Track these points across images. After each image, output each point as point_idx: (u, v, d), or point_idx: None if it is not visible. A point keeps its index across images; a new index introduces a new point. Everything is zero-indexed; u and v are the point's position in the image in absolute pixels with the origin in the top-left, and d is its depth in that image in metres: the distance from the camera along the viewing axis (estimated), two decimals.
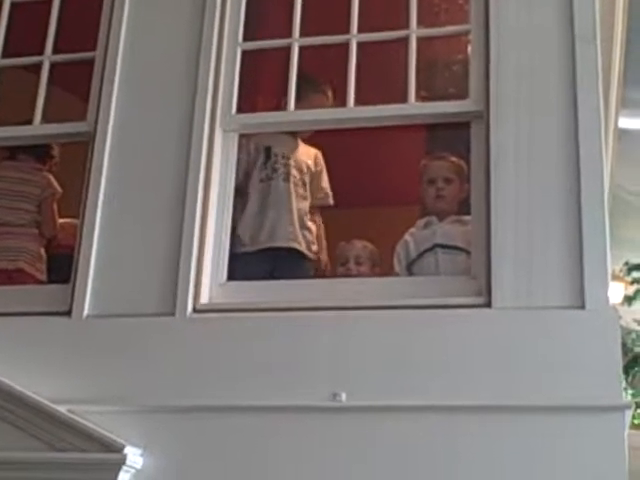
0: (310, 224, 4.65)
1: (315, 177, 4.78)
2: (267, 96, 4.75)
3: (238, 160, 4.14)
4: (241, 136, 4.16)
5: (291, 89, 4.05)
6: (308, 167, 4.74)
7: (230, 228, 3.98)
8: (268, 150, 4.66)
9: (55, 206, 5.08)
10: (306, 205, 4.66)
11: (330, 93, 4.58)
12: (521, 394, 3.40)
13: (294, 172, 4.65)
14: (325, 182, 4.83)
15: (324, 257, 4.75)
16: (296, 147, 4.72)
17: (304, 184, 4.69)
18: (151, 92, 4.07)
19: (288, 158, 4.66)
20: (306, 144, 4.82)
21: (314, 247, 4.62)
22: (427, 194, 4.34)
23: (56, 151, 5.15)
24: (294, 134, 4.73)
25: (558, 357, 3.42)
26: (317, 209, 4.83)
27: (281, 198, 4.57)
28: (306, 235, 4.59)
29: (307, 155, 4.77)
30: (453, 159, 4.34)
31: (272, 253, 4.45)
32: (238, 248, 4.22)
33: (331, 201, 4.83)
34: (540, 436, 3.35)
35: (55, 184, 5.10)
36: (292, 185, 4.62)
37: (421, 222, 4.31)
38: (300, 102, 4.20)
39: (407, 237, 4.27)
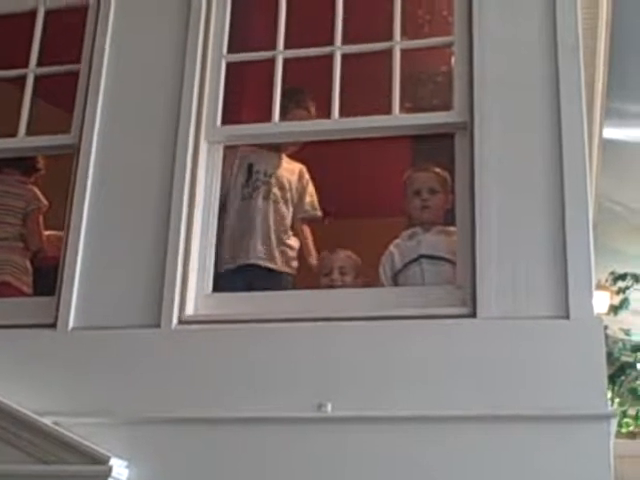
0: (291, 241, 4.69)
1: (300, 192, 4.81)
2: (252, 108, 4.76)
3: (222, 176, 4.15)
4: (225, 152, 4.16)
5: (276, 101, 4.06)
6: (290, 183, 4.77)
7: (215, 239, 3.98)
8: (250, 168, 4.70)
9: (41, 219, 5.07)
10: (287, 222, 4.69)
11: (312, 108, 4.61)
12: (506, 404, 3.40)
13: (275, 190, 4.70)
14: (311, 196, 4.85)
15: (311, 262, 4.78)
16: (279, 164, 4.77)
17: (286, 201, 4.72)
18: (135, 104, 4.08)
19: (270, 176, 4.71)
20: (292, 157, 4.83)
21: (294, 263, 4.64)
22: (412, 205, 4.34)
23: (41, 164, 5.14)
24: (278, 150, 4.75)
25: (543, 367, 3.43)
26: (305, 222, 4.84)
27: (259, 217, 4.62)
28: (285, 251, 4.62)
29: (290, 171, 4.81)
30: (437, 170, 4.36)
31: (250, 271, 4.49)
32: (220, 266, 4.23)
33: (319, 214, 4.85)
34: (525, 446, 3.35)
35: (41, 197, 5.09)
36: (272, 203, 4.67)
37: (406, 233, 4.32)
38: (283, 117, 4.23)
39: (392, 248, 4.28)
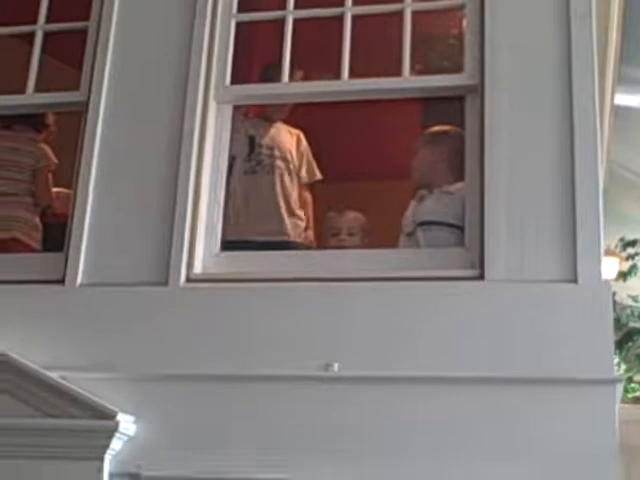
0: (300, 212, 4.68)
1: (299, 159, 4.81)
2: (261, 68, 4.74)
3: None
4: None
5: (286, 61, 4.04)
6: (292, 153, 4.78)
7: (224, 198, 3.98)
8: (252, 140, 4.69)
9: (50, 177, 5.07)
10: (294, 193, 4.69)
11: (299, 75, 4.58)
12: (513, 366, 3.41)
13: (279, 163, 4.72)
14: (308, 162, 4.86)
15: (310, 232, 4.78)
16: (279, 133, 4.77)
17: (290, 173, 4.73)
18: (144, 62, 4.06)
19: (272, 148, 4.72)
20: (289, 122, 4.83)
21: (305, 233, 4.65)
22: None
23: (50, 120, 5.14)
24: (271, 120, 4.75)
25: (550, 330, 3.44)
26: (306, 186, 4.85)
27: (267, 192, 4.63)
28: (297, 224, 4.62)
29: (289, 141, 4.83)
30: (430, 129, 4.32)
31: (259, 244, 4.48)
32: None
33: (318, 176, 4.85)
34: (532, 408, 3.37)
35: (51, 155, 5.09)
36: (277, 177, 4.68)
37: (417, 195, 4.31)
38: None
39: (409, 209, 4.27)
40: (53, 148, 5.15)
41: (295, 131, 4.85)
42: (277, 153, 4.73)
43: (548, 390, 3.38)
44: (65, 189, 4.85)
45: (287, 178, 4.73)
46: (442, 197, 4.08)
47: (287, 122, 4.94)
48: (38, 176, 5.01)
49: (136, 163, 3.94)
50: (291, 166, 4.77)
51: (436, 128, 4.35)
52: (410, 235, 4.13)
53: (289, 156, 4.77)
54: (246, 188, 4.63)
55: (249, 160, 4.68)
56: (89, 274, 3.83)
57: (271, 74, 4.28)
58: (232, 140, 4.47)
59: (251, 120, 4.77)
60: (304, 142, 4.86)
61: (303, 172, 4.84)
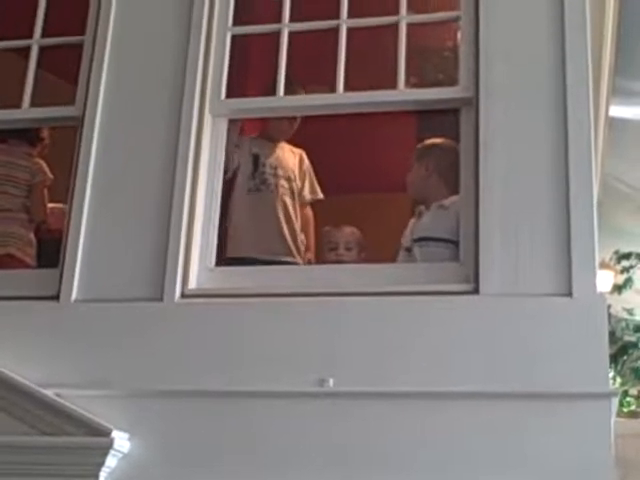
0: (301, 234, 4.71)
1: (302, 178, 4.83)
2: (257, 82, 4.74)
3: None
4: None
5: (281, 74, 4.04)
6: (294, 173, 4.82)
7: (219, 213, 3.97)
8: (256, 159, 4.71)
9: (45, 192, 5.07)
10: (296, 212, 4.70)
11: (302, 93, 4.60)
12: (508, 381, 3.40)
13: (282, 182, 4.74)
14: (311, 181, 4.89)
15: (311, 254, 4.79)
16: (282, 153, 4.81)
17: (292, 193, 4.76)
18: (140, 77, 4.06)
19: (276, 168, 4.74)
20: (291, 141, 4.85)
21: (307, 254, 4.67)
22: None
23: (45, 133, 5.13)
24: (276, 140, 4.81)
25: (545, 344, 3.43)
26: (306, 206, 4.87)
27: (271, 212, 4.66)
28: (299, 245, 4.64)
29: (293, 160, 4.88)
30: (423, 143, 4.33)
31: (262, 262, 4.49)
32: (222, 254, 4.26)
33: (321, 195, 4.87)
34: (526, 423, 3.36)
35: (47, 170, 5.08)
36: (280, 197, 4.69)
37: (416, 211, 4.31)
38: None
39: (408, 226, 4.27)
40: (47, 162, 5.14)
41: (298, 150, 4.90)
42: (281, 173, 4.78)
43: (543, 404, 3.37)
44: (59, 204, 4.84)
45: (289, 200, 4.77)
46: (438, 212, 4.08)
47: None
48: (33, 191, 5.01)
49: (131, 179, 3.93)
50: (294, 185, 4.82)
51: (427, 141, 4.35)
52: (409, 251, 4.13)
53: (292, 175, 4.82)
54: (249, 206, 4.65)
55: (253, 178, 4.71)
56: (84, 290, 3.82)
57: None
58: (235, 155, 4.50)
59: (255, 139, 4.78)
60: (306, 161, 4.91)
61: (306, 191, 4.89)
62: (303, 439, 3.46)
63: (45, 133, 5.14)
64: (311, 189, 4.90)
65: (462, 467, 3.35)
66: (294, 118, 4.83)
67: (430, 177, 4.21)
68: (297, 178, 4.83)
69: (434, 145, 4.14)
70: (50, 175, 5.07)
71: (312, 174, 4.91)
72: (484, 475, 3.33)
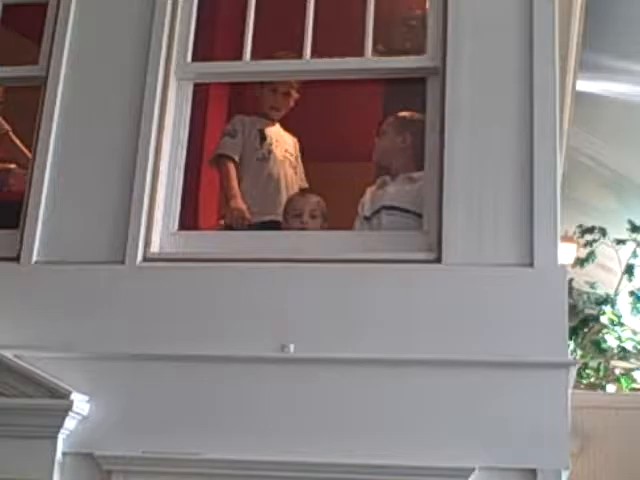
0: None
1: (297, 161, 4.91)
2: (224, 46, 4.70)
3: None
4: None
5: (247, 39, 4.01)
6: (294, 152, 4.90)
7: (182, 178, 3.95)
8: (262, 133, 4.76)
9: (15, 139, 5.00)
10: (295, 187, 4.76)
11: (293, 91, 4.70)
12: (467, 349, 3.43)
13: (286, 154, 4.82)
14: (301, 168, 4.94)
15: None
16: (280, 131, 4.86)
17: (294, 168, 4.85)
18: (105, 37, 4.02)
19: (278, 142, 4.81)
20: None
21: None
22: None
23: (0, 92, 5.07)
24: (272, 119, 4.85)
25: (506, 313, 3.46)
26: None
27: (276, 176, 4.72)
28: None
29: (291, 142, 4.92)
30: (396, 114, 4.32)
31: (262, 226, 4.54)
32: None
33: (306, 185, 4.91)
34: (485, 391, 3.40)
35: (3, 123, 5.01)
36: (287, 164, 4.79)
37: (379, 180, 4.30)
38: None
39: (367, 195, 4.26)
40: (9, 124, 5.07)
41: (292, 137, 4.93)
42: (284, 147, 4.82)
43: (502, 373, 3.41)
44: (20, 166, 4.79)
45: (291, 171, 4.80)
46: (405, 183, 4.07)
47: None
48: (6, 143, 4.93)
49: (94, 141, 3.90)
50: (293, 159, 4.85)
51: (405, 113, 4.32)
52: (368, 219, 4.12)
53: (292, 150, 4.87)
54: (257, 173, 4.69)
55: (261, 148, 4.73)
56: (45, 252, 3.79)
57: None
58: (241, 134, 4.49)
59: (253, 117, 4.78)
60: (298, 148, 4.92)
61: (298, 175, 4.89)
62: (263, 404, 3.47)
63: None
64: (300, 176, 4.93)
65: (421, 433, 3.38)
66: (288, 93, 4.80)
67: (405, 150, 4.19)
68: (295, 156, 4.88)
69: (418, 120, 4.12)
70: (7, 126, 4.99)
71: (301, 163, 4.95)
72: (441, 441, 3.36)
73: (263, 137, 4.76)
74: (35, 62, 4.09)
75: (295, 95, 4.83)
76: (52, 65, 4.00)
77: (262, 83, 4.66)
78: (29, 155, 4.93)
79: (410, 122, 4.13)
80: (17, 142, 5.03)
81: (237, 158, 4.67)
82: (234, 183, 4.60)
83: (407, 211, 3.93)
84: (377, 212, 4.09)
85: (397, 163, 4.21)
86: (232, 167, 4.63)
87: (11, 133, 5.03)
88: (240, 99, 5.18)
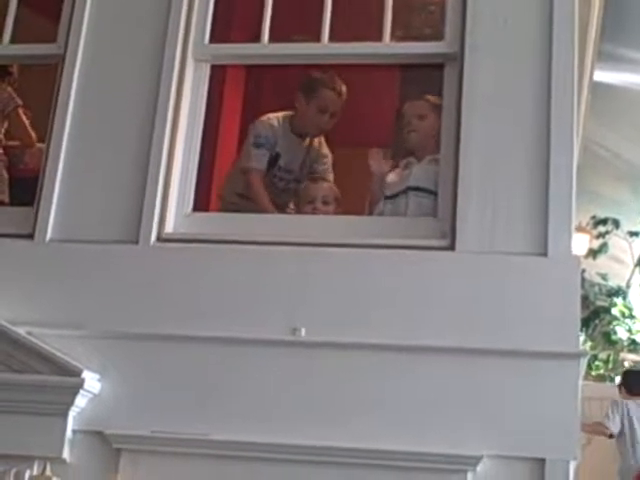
0: None
1: None
2: (242, 28, 4.69)
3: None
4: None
5: (266, 22, 4.00)
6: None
7: (198, 159, 3.95)
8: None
9: (22, 115, 5.01)
10: None
11: (343, 89, 4.58)
12: (479, 337, 3.43)
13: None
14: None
15: None
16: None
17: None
18: (123, 17, 4.01)
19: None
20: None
21: None
22: (403, 134, 4.29)
23: (13, 67, 5.06)
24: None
25: (518, 303, 3.46)
26: None
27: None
28: None
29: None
30: (430, 97, 4.28)
31: None
32: None
33: None
34: (496, 380, 3.39)
35: (15, 96, 5.01)
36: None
37: (402, 162, 4.28)
38: (311, 95, 4.47)
39: (390, 175, 4.24)
40: (25, 102, 5.08)
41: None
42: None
43: (513, 361, 3.40)
44: (38, 144, 4.79)
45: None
46: (430, 165, 4.04)
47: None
48: (13, 119, 4.93)
49: (111, 120, 3.90)
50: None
51: (433, 97, 4.28)
52: (392, 199, 4.09)
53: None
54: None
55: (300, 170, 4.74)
56: (59, 230, 3.80)
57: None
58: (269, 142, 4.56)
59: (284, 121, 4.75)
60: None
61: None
62: (274, 386, 3.48)
63: (13, 67, 5.08)
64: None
65: (430, 420, 3.39)
66: (335, 114, 4.67)
67: (436, 133, 4.17)
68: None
69: (440, 105, 4.10)
70: (20, 101, 4.99)
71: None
72: (450, 429, 3.36)
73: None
74: (53, 40, 4.09)
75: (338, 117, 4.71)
76: (70, 43, 4.00)
77: (307, 96, 4.59)
78: (33, 135, 4.99)
79: (438, 107, 4.10)
80: (24, 120, 5.04)
81: (263, 167, 4.61)
82: (260, 192, 4.54)
83: (433, 192, 3.90)
84: (403, 192, 4.06)
85: (432, 145, 4.17)
86: (257, 178, 4.58)
87: (20, 110, 5.03)
88: (257, 81, 5.16)
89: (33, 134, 5.04)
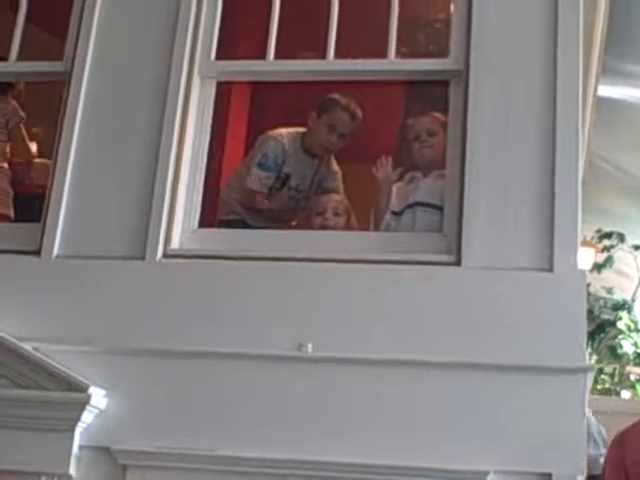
0: None
1: None
2: (248, 45, 4.71)
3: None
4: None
5: (271, 38, 4.02)
6: None
7: (204, 175, 3.96)
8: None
9: (24, 132, 5.01)
10: None
11: (358, 112, 4.61)
12: (485, 352, 3.43)
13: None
14: None
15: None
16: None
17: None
18: (129, 34, 4.03)
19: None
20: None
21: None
22: (411, 149, 4.30)
23: (20, 83, 5.08)
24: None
25: (524, 318, 3.46)
26: None
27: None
28: None
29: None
30: (436, 114, 4.30)
31: None
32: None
33: None
34: (502, 394, 3.39)
35: (20, 111, 5.02)
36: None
37: (407, 176, 4.29)
38: (324, 113, 4.52)
39: (394, 190, 4.24)
40: (32, 118, 5.09)
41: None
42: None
43: (520, 377, 3.40)
44: (44, 160, 4.80)
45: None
46: (437, 181, 4.04)
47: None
48: (14, 133, 4.94)
49: (117, 136, 3.91)
50: None
51: (439, 114, 4.30)
52: (398, 215, 4.10)
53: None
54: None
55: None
56: (65, 246, 3.81)
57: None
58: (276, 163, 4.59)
59: (295, 141, 4.77)
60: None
61: None
62: (280, 402, 3.48)
63: (19, 83, 5.09)
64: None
65: (436, 435, 3.38)
66: (344, 135, 4.70)
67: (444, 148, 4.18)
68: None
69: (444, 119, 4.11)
70: (23, 114, 5.00)
71: None
72: (457, 444, 3.36)
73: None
74: (59, 58, 4.11)
75: (348, 139, 4.72)
76: (76, 61, 4.01)
77: (320, 113, 4.60)
78: (32, 151, 4.99)
79: (445, 123, 4.11)
80: (24, 134, 5.04)
81: (265, 190, 4.65)
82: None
83: (440, 208, 3.90)
84: (410, 207, 4.07)
85: (438, 160, 4.17)
86: (260, 199, 4.62)
87: (22, 124, 5.04)
88: (262, 97, 5.18)
89: (32, 148, 5.04)
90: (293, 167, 4.66)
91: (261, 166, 4.59)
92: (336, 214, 4.40)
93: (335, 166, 4.80)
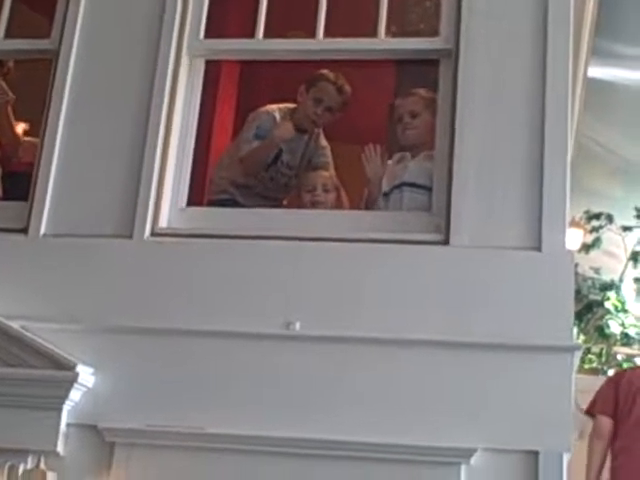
0: None
1: None
2: (237, 24, 4.69)
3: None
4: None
5: (261, 17, 4.00)
6: None
7: (192, 153, 3.95)
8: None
9: (10, 111, 4.97)
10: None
11: (346, 87, 4.55)
12: (473, 331, 3.45)
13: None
14: None
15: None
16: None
17: None
18: (117, 13, 4.02)
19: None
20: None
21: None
22: (397, 130, 4.28)
23: (10, 61, 5.03)
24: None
25: (512, 297, 3.47)
26: None
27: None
28: None
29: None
30: (423, 93, 4.28)
31: None
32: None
33: None
34: (489, 372, 3.41)
35: (7, 90, 4.98)
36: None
37: (395, 156, 4.27)
38: (311, 87, 4.48)
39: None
40: (20, 97, 5.05)
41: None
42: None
43: (508, 355, 3.42)
44: (32, 138, 4.77)
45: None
46: (425, 162, 4.03)
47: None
48: (2, 112, 4.91)
49: (105, 114, 3.90)
50: None
51: (426, 92, 4.26)
52: (387, 195, 4.09)
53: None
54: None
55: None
56: (53, 224, 3.80)
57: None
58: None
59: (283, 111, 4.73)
60: None
61: None
62: (268, 380, 3.49)
63: (9, 61, 5.04)
64: None
65: (424, 413, 3.40)
66: (330, 109, 4.62)
67: (431, 129, 4.16)
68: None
69: (435, 99, 4.09)
70: (12, 95, 4.96)
71: None
72: (444, 422, 3.38)
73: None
74: (47, 36, 4.08)
75: (337, 114, 4.65)
76: (64, 39, 4.00)
77: (308, 88, 4.57)
78: (17, 132, 4.94)
79: (432, 101, 4.08)
80: (10, 115, 5.00)
81: None
82: None
83: (428, 189, 3.90)
84: (397, 188, 4.06)
85: (427, 142, 4.15)
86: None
87: (10, 106, 5.00)
88: (251, 76, 5.15)
89: (18, 129, 5.00)
90: (284, 141, 4.65)
91: (258, 136, 4.57)
92: (326, 190, 4.38)
93: (324, 141, 4.78)
